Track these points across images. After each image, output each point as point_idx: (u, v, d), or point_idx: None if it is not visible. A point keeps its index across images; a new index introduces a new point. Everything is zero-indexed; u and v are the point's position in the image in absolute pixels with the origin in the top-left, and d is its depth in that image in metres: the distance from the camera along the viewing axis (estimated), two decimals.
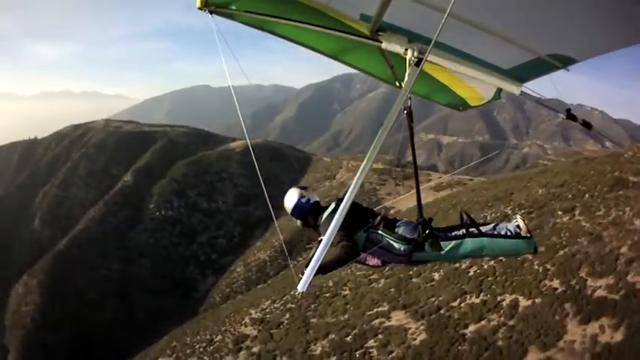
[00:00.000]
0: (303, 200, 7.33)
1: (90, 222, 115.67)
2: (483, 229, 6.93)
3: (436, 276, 40.82)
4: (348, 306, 43.49)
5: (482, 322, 30.97)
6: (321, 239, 5.93)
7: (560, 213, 42.82)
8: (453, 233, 6.95)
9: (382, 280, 45.39)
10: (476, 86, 7.86)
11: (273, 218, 7.67)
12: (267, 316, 49.73)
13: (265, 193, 7.06)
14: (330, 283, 50.59)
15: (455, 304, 34.82)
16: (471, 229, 6.87)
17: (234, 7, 5.72)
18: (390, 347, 33.26)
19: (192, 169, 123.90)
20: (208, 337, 52.62)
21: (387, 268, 45.53)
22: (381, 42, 5.85)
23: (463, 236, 6.80)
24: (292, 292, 53.05)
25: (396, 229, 6.91)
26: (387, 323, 36.76)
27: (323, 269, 6.20)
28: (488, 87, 7.70)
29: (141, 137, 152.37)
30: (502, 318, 30.63)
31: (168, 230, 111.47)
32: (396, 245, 6.68)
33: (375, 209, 7.45)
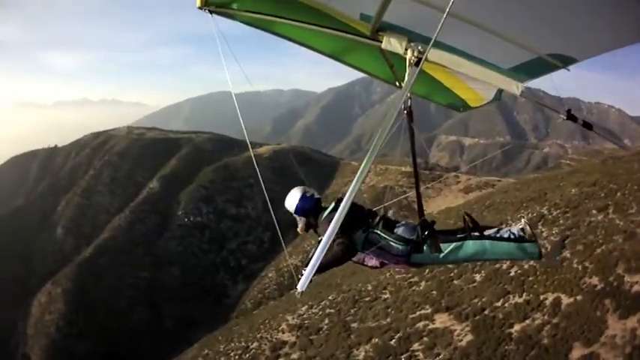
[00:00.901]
0: (308, 195, 7.46)
1: (116, 230, 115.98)
2: (486, 232, 6.97)
3: (478, 277, 41.02)
4: (390, 310, 43.44)
5: (527, 321, 31.45)
6: (321, 239, 5.93)
7: (594, 212, 43.08)
8: (455, 236, 6.99)
9: (423, 283, 45.40)
10: (476, 87, 8.02)
11: (275, 220, 7.19)
12: (306, 321, 49.68)
13: (267, 199, 7.20)
14: (369, 287, 50.77)
15: (498, 304, 35.16)
16: (473, 232, 6.92)
17: (234, 7, 5.85)
18: (437, 349, 33.51)
19: (219, 175, 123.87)
20: (243, 344, 52.56)
21: (427, 270, 45.93)
22: (381, 42, 5.97)
23: (464, 238, 6.86)
24: (330, 297, 53.19)
25: (395, 230, 7.03)
26: (432, 326, 36.91)
27: (318, 268, 6.14)
28: (489, 87, 7.91)
29: (165, 144, 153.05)
30: (546, 316, 31.14)
31: (197, 237, 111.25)
32: (395, 246, 6.85)
33: (374, 209, 7.57)
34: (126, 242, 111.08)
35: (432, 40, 4.86)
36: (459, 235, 6.91)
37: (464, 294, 39.35)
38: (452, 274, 43.63)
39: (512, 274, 38.23)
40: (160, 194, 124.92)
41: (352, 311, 47.02)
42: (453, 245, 6.78)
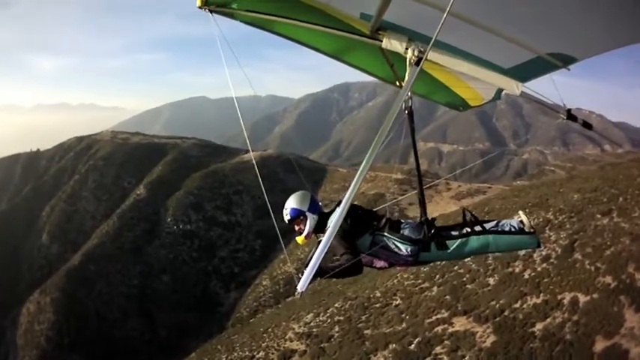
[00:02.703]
0: (315, 197, 7.50)
1: (104, 237, 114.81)
2: (487, 226, 7.14)
3: (491, 281, 41.39)
4: (404, 315, 43.38)
5: (548, 320, 31.79)
6: (320, 239, 6.01)
7: (599, 216, 43.88)
8: (457, 232, 7.14)
9: (435, 288, 45.60)
10: (476, 86, 8.05)
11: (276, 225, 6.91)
12: (314, 329, 49.46)
13: (269, 202, 6.79)
14: (378, 294, 50.89)
15: (517, 305, 35.42)
16: (475, 227, 7.06)
17: (234, 6, 5.84)
18: (461, 352, 33.54)
19: (207, 182, 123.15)
20: (247, 353, 52.41)
21: (437, 275, 46.13)
22: (381, 41, 6.03)
23: (468, 234, 7.01)
24: (337, 305, 53.22)
25: (401, 231, 7.04)
26: (451, 329, 36.94)
27: (324, 272, 6.59)
28: (489, 87, 7.90)
29: (150, 149, 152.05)
30: (566, 314, 31.58)
31: (187, 245, 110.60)
32: (402, 247, 6.88)
33: (378, 211, 7.61)
34: (114, 249, 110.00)
35: (433, 40, 4.93)
36: (462, 232, 7.07)
37: (479, 297, 39.60)
38: (464, 279, 44.10)
39: (526, 276, 38.79)
40: (147, 200, 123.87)
41: (363, 318, 46.85)
42: (458, 242, 6.93)
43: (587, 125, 6.86)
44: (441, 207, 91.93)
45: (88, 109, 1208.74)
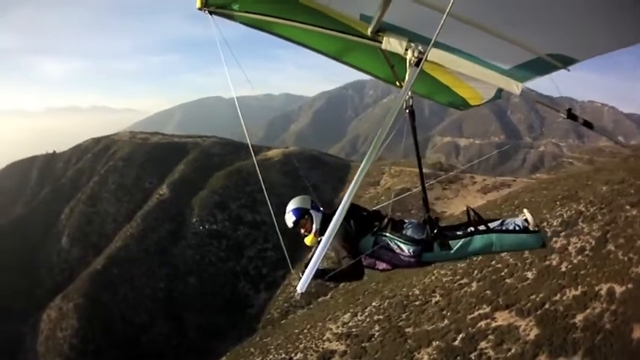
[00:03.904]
0: (316, 203, 7.77)
1: (128, 239, 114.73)
2: (491, 225, 7.31)
3: (529, 275, 42.40)
4: (445, 312, 44.25)
5: (588, 311, 33.13)
6: (320, 239, 6.43)
7: (628, 207, 45.10)
8: (460, 231, 7.34)
9: (474, 284, 46.46)
10: (476, 86, 8.23)
11: (276, 229, 7.39)
12: (353, 329, 50.05)
13: (269, 204, 7.25)
14: (417, 292, 51.64)
15: (557, 298, 36.62)
16: (479, 226, 7.27)
17: (234, 8, 6.02)
18: (506, 345, 34.55)
19: (231, 181, 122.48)
20: (284, 355, 53.01)
21: (476, 271, 46.69)
22: (381, 42, 6.22)
23: (471, 233, 7.20)
24: (375, 304, 53.61)
25: (403, 231, 7.29)
26: (494, 324, 37.93)
27: (325, 274, 6.98)
28: (489, 87, 8.05)
29: (170, 149, 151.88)
30: (604, 304, 32.94)
31: (215, 245, 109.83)
32: (405, 247, 7.12)
33: (380, 211, 7.85)
34: (140, 251, 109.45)
35: (432, 41, 5.10)
36: (466, 231, 7.27)
37: (519, 291, 40.60)
38: (503, 274, 45.03)
39: (563, 269, 40.02)
40: (171, 201, 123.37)
41: (403, 316, 47.56)
42: (461, 241, 7.12)
43: (587, 124, 6.92)
44: (468, 201, 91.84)
45: (100, 112, 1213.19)
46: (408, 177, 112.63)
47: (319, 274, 6.70)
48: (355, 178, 5.39)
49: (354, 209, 7.35)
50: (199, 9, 5.73)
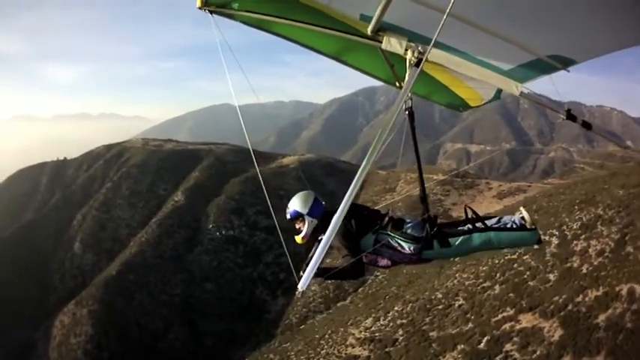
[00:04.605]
0: (319, 198, 7.98)
1: (143, 245, 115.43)
2: (488, 222, 7.59)
3: (551, 277, 43.31)
4: (469, 315, 45.16)
5: (610, 311, 34.14)
6: (321, 239, 6.70)
7: None
8: (459, 228, 7.62)
9: (497, 287, 47.33)
10: (475, 87, 8.52)
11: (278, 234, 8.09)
12: (376, 334, 50.86)
13: (272, 209, 7.66)
14: (439, 295, 52.38)
15: (579, 299, 37.63)
16: (476, 224, 7.56)
17: (234, 7, 6.15)
18: (532, 347, 35.59)
19: (247, 187, 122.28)
20: None
21: (498, 274, 47.57)
22: (381, 42, 6.36)
23: (470, 231, 7.46)
24: (397, 308, 54.28)
25: (404, 229, 7.51)
26: (519, 326, 38.87)
27: (326, 272, 7.22)
28: (488, 87, 8.37)
29: (185, 155, 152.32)
30: (625, 304, 33.94)
31: (231, 251, 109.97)
32: (406, 245, 7.35)
33: (380, 210, 8.13)
34: (155, 258, 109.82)
35: (433, 41, 5.31)
36: (464, 229, 7.57)
37: (542, 293, 41.56)
38: (525, 276, 45.90)
39: (584, 271, 41.13)
40: (187, 207, 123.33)
41: (427, 320, 48.37)
42: (460, 239, 7.37)
43: (586, 125, 7.02)
44: (485, 206, 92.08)
45: (110, 119, 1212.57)
46: (425, 183, 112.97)
47: (320, 272, 6.95)
48: (356, 178, 5.65)
49: (354, 208, 7.57)
50: (199, 8, 5.96)
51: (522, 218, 7.51)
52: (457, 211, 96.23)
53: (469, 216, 7.68)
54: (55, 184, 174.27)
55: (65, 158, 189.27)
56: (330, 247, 5.84)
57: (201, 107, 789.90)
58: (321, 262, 5.78)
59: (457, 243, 7.33)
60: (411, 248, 7.28)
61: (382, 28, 6.18)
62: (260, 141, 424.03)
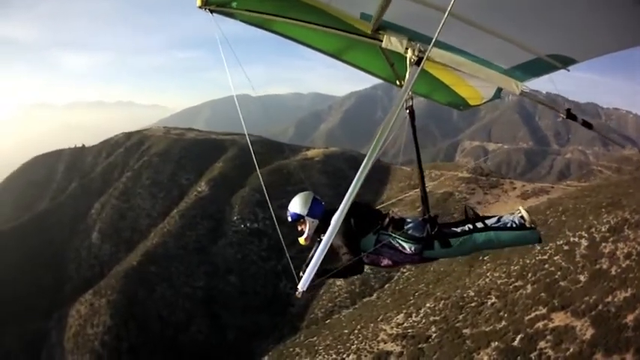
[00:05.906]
0: (318, 198, 8.14)
1: (165, 235, 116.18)
2: (488, 222, 7.79)
3: (582, 278, 44.85)
4: (502, 313, 46.44)
5: (637, 311, 35.60)
6: (321, 239, 6.82)
7: None
8: (459, 228, 7.76)
9: (529, 286, 48.64)
10: (476, 85, 8.70)
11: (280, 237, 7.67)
12: (409, 330, 51.94)
13: (272, 210, 8.42)
14: (472, 293, 53.54)
15: (608, 299, 39.13)
16: (476, 223, 7.75)
17: (234, 6, 6.32)
18: (565, 345, 37.08)
19: (272, 179, 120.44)
20: (334, 356, 55.07)
21: (530, 274, 49.12)
22: (382, 41, 6.48)
23: (470, 231, 7.64)
24: (429, 305, 55.26)
25: (405, 229, 7.66)
26: (552, 325, 40.31)
27: (327, 272, 7.36)
28: (489, 86, 8.58)
29: (208, 145, 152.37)
30: None
31: (256, 244, 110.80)
32: (406, 245, 7.53)
33: (382, 210, 8.35)
34: (178, 249, 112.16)
35: (433, 40, 5.35)
36: (465, 228, 7.73)
37: (573, 293, 43.10)
38: (556, 277, 47.42)
39: (613, 272, 42.82)
40: (210, 198, 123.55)
41: (460, 317, 49.65)
42: (461, 239, 7.56)
43: (587, 125, 7.31)
44: (509, 206, 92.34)
45: (126, 107, 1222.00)
46: (449, 181, 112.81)
47: (320, 272, 6.89)
48: (356, 178, 5.84)
49: (355, 208, 7.34)
50: (200, 7, 6.12)
51: (522, 217, 7.80)
52: (481, 210, 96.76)
53: (469, 216, 7.96)
54: (73, 171, 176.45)
55: (84, 145, 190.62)
56: (331, 247, 6.18)
57: (218, 97, 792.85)
58: (322, 262, 6.04)
59: (458, 243, 7.60)
60: (412, 248, 7.53)
61: (382, 27, 6.41)
62: (278, 132, 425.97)
